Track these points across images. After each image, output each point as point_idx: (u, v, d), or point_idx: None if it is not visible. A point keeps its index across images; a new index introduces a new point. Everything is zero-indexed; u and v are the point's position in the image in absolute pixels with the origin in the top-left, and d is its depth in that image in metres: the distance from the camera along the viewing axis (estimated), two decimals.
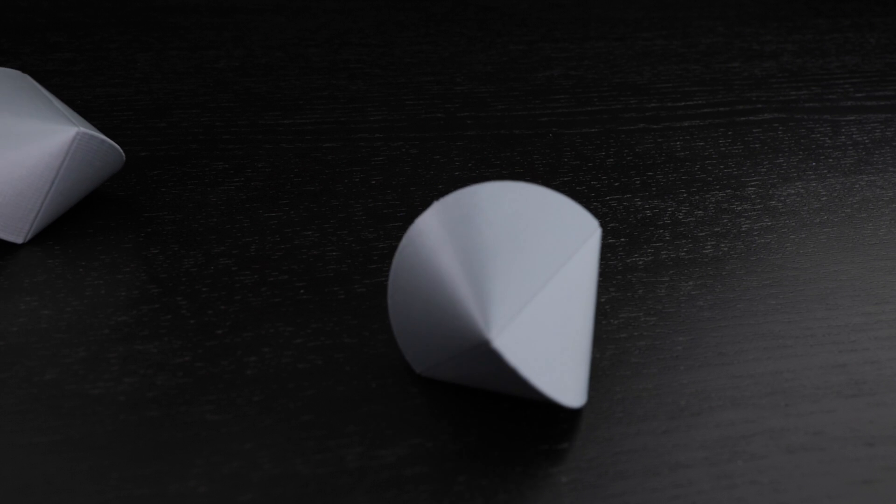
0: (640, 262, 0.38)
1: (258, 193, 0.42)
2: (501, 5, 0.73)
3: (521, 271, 0.27)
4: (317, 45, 0.62)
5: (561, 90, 0.56)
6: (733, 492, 0.27)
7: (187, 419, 0.28)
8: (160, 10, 0.67)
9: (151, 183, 0.42)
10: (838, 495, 0.27)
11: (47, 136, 0.35)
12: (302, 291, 0.35)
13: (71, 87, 0.53)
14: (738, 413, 0.30)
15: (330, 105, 0.52)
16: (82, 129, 0.35)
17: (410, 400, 0.30)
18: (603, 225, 0.41)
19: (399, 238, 0.39)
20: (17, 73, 0.39)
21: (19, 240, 0.36)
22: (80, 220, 0.39)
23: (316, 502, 0.26)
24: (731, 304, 0.35)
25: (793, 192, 0.44)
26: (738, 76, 0.59)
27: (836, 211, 0.43)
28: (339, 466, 0.27)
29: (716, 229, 0.41)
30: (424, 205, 0.42)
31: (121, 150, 0.38)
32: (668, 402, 0.30)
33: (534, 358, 0.26)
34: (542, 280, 0.27)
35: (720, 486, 0.27)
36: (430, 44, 0.63)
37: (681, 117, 0.52)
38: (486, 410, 0.29)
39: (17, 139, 0.34)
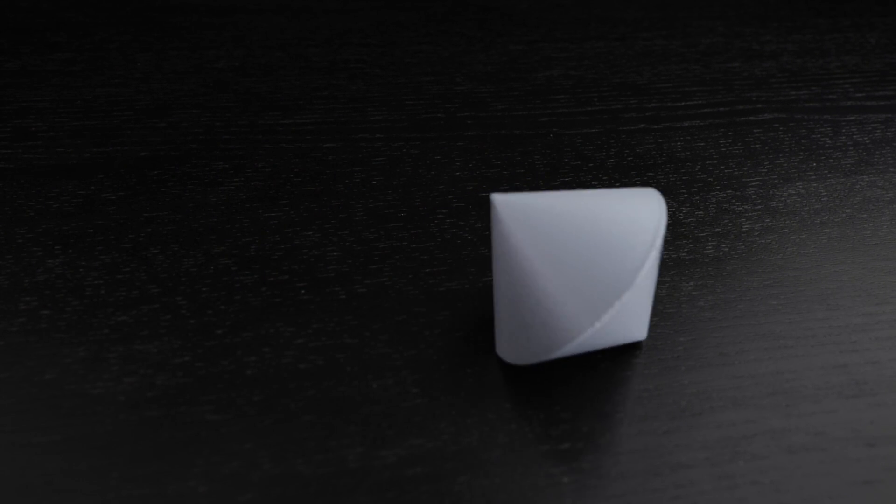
0: None
1: (258, 193, 0.42)
2: (501, 5, 0.73)
3: None
4: (317, 45, 0.62)
5: (561, 90, 0.56)
6: (735, 492, 0.27)
7: (187, 419, 0.28)
8: (160, 10, 0.67)
9: (151, 183, 0.42)
10: (839, 495, 0.27)
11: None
12: (303, 292, 0.35)
13: (71, 87, 0.53)
14: (739, 413, 0.30)
15: (330, 105, 0.52)
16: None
17: (411, 400, 0.30)
18: None
19: (400, 238, 0.39)
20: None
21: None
22: (80, 220, 0.39)
23: (317, 502, 0.26)
24: (731, 305, 0.35)
25: (793, 192, 0.44)
26: (738, 76, 0.59)
27: (836, 211, 0.43)
28: (340, 466, 0.27)
29: (716, 230, 0.41)
30: (425, 205, 0.42)
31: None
32: (670, 402, 0.30)
33: None
34: None
35: (721, 487, 0.27)
36: (430, 44, 0.63)
37: (681, 117, 0.52)
38: (486, 410, 0.29)
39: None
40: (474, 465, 0.27)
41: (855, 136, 0.51)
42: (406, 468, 0.27)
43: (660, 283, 0.36)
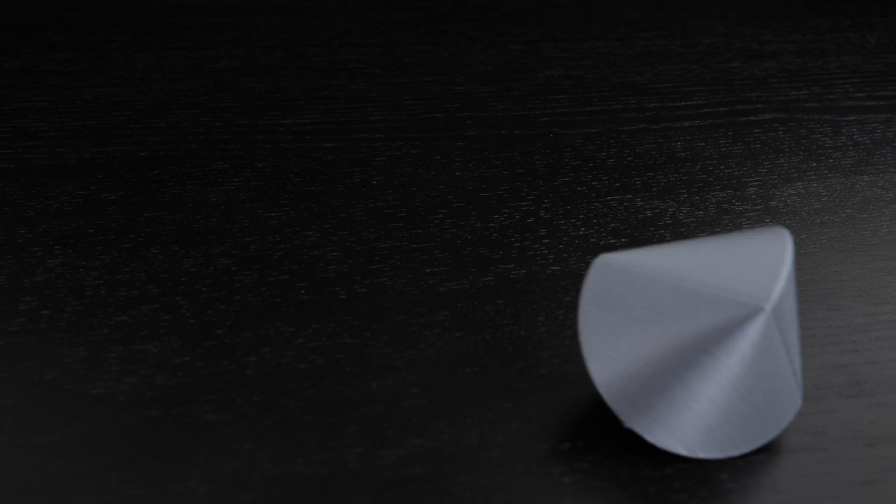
0: None
1: (258, 193, 0.42)
2: (501, 5, 0.73)
3: None
4: (317, 45, 0.62)
5: (561, 90, 0.56)
6: (735, 492, 0.27)
7: (187, 419, 0.28)
8: (160, 10, 0.67)
9: (151, 183, 0.42)
10: (839, 496, 0.27)
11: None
12: (303, 291, 0.35)
13: (71, 87, 0.53)
14: None
15: (330, 105, 0.52)
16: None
17: (411, 400, 0.30)
18: (604, 225, 0.41)
19: (400, 238, 0.39)
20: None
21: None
22: (80, 220, 0.39)
23: (317, 502, 0.26)
24: None
25: (793, 192, 0.44)
26: (738, 76, 0.59)
27: (836, 211, 0.43)
28: (340, 467, 0.27)
29: (717, 230, 0.41)
30: (425, 205, 0.42)
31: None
32: None
33: None
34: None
35: (721, 487, 0.27)
36: (430, 44, 0.63)
37: (681, 117, 0.52)
38: (486, 410, 0.29)
39: None
40: (474, 465, 0.27)
41: (855, 136, 0.51)
42: (406, 468, 0.27)
43: None
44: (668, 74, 0.59)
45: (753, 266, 0.28)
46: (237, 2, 0.70)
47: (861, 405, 0.30)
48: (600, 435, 0.29)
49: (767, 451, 0.28)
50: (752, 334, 0.27)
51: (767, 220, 0.41)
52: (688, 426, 0.27)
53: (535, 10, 0.72)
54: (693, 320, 0.27)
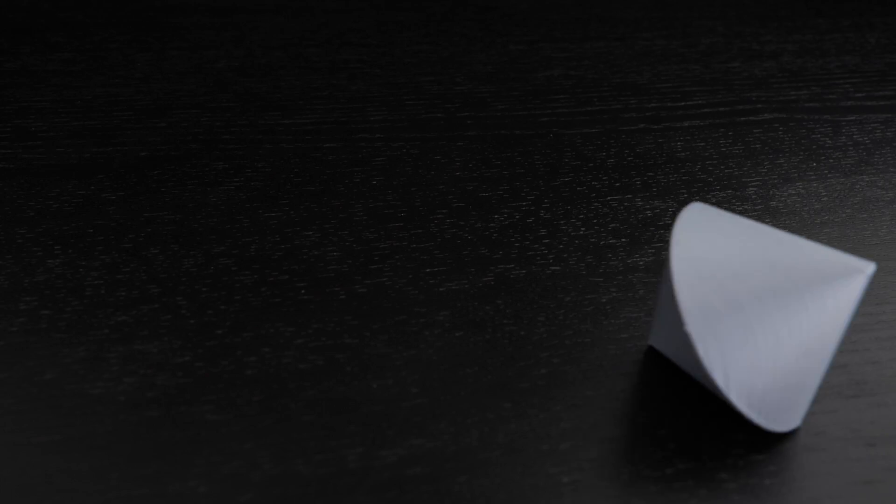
0: (641, 263, 0.38)
1: (258, 193, 0.42)
2: (501, 5, 0.73)
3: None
4: (317, 45, 0.62)
5: (561, 90, 0.56)
6: (735, 492, 0.27)
7: (187, 419, 0.28)
8: (160, 10, 0.67)
9: (151, 183, 0.42)
10: (839, 496, 0.27)
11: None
12: (303, 291, 0.35)
13: (71, 87, 0.53)
14: (739, 414, 0.30)
15: (330, 105, 0.52)
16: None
17: (411, 400, 0.30)
18: (604, 225, 0.41)
19: (400, 238, 0.39)
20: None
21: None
22: (80, 220, 0.39)
23: (317, 502, 0.26)
24: None
25: (793, 192, 0.44)
26: (738, 76, 0.59)
27: (836, 211, 0.43)
28: (340, 466, 0.27)
29: None
30: (425, 205, 0.42)
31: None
32: (670, 403, 0.30)
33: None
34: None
35: (721, 487, 0.27)
36: (430, 44, 0.63)
37: (681, 117, 0.52)
38: (486, 410, 0.29)
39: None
40: (474, 465, 0.27)
41: (855, 136, 0.51)
42: (406, 468, 0.27)
43: (658, 284, 0.36)
44: (668, 74, 0.59)
45: (844, 254, 0.29)
46: (237, 2, 0.70)
47: (861, 405, 0.30)
48: (600, 435, 0.29)
49: (767, 451, 0.28)
50: (843, 295, 0.27)
51: (767, 221, 0.41)
52: (740, 355, 0.27)
53: (535, 10, 0.72)
54: (793, 263, 0.28)
